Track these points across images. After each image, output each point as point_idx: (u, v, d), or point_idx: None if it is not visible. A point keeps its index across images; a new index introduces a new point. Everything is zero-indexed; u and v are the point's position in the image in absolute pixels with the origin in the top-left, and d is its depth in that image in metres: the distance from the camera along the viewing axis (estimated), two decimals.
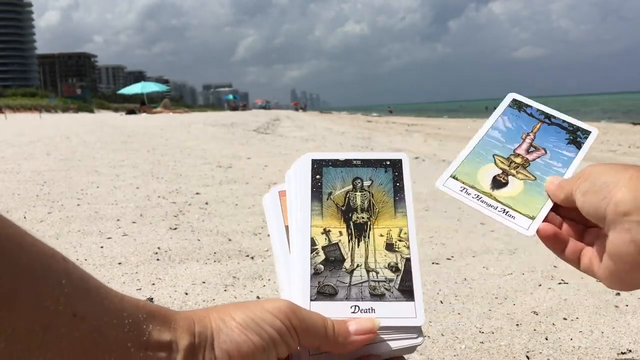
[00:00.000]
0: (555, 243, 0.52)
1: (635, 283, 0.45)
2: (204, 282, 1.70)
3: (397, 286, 0.47)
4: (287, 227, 0.51)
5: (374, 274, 0.48)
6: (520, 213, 0.53)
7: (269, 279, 1.74)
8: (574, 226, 0.53)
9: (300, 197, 0.51)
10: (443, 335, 1.32)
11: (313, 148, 6.81)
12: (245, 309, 0.40)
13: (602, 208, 0.45)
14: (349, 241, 0.49)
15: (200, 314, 0.40)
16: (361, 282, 0.47)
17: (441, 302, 1.52)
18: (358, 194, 0.51)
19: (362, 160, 0.52)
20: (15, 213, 2.63)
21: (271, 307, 0.40)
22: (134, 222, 2.47)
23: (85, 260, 1.90)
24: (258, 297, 1.58)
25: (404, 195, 0.51)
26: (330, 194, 0.51)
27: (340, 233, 0.49)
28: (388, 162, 0.52)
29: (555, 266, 1.90)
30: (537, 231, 0.52)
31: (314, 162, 0.53)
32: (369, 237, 0.49)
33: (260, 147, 6.75)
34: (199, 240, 2.19)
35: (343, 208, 0.50)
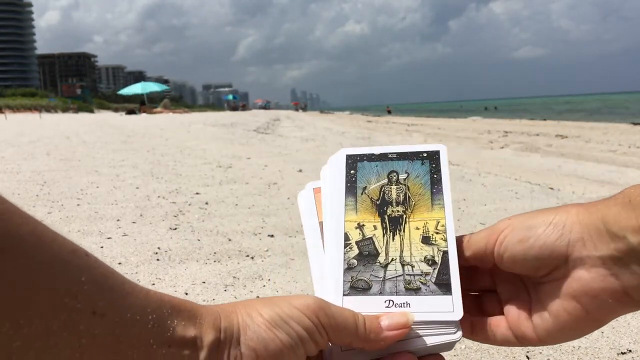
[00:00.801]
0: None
1: (592, 328, 0.42)
2: (204, 282, 1.70)
3: (433, 280, 0.45)
4: (321, 224, 0.50)
5: (409, 267, 0.46)
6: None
7: (269, 279, 1.74)
8: (468, 298, 0.47)
9: (335, 192, 0.50)
10: None
11: (313, 148, 6.81)
12: (273, 305, 0.39)
13: (563, 245, 0.39)
14: (383, 235, 0.48)
15: (227, 309, 0.39)
16: (396, 276, 0.46)
17: None
18: (393, 187, 0.49)
19: (398, 154, 0.51)
20: None
21: (299, 304, 0.39)
22: (134, 222, 2.47)
23: None
24: (258, 297, 1.58)
25: (442, 187, 0.49)
26: (364, 188, 0.50)
27: (375, 227, 0.48)
28: (425, 154, 0.51)
29: None
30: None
31: (348, 157, 0.52)
32: (404, 231, 0.48)
33: (260, 147, 6.75)
34: (199, 240, 2.19)
35: (378, 202, 0.49)
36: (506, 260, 0.42)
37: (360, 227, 0.48)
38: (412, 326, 0.42)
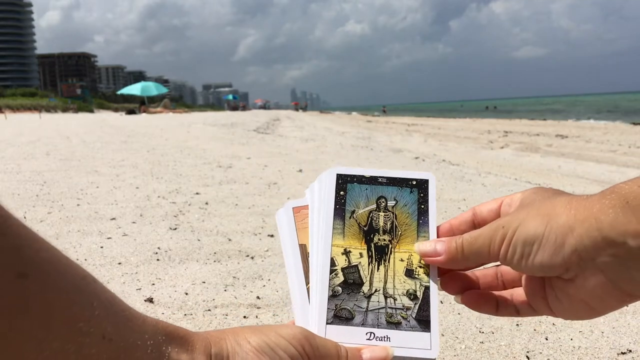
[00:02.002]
0: (486, 307, 0.47)
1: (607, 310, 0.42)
2: (204, 282, 1.70)
3: (414, 315, 0.46)
4: (301, 246, 0.50)
5: (392, 300, 0.47)
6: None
7: (269, 279, 1.74)
8: (487, 274, 0.49)
9: (323, 214, 0.49)
10: (443, 335, 1.32)
11: (313, 148, 6.81)
12: (261, 333, 0.41)
13: (558, 261, 0.39)
14: (369, 264, 0.48)
15: (217, 336, 0.41)
16: (378, 308, 0.46)
17: (441, 302, 1.52)
18: (381, 214, 0.49)
19: (388, 179, 0.51)
20: (15, 213, 2.62)
21: (286, 333, 0.41)
22: (134, 222, 2.47)
23: (85, 260, 1.90)
24: (258, 297, 1.58)
25: (428, 219, 0.49)
26: (353, 212, 0.49)
27: (361, 255, 0.48)
28: (414, 182, 0.51)
29: None
30: (464, 303, 0.47)
31: (338, 177, 0.51)
32: (389, 262, 0.48)
33: (260, 147, 6.75)
34: (199, 240, 2.19)
35: (365, 228, 0.49)
36: (514, 268, 0.43)
37: (346, 253, 0.48)
38: None
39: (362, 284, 0.47)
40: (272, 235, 2.28)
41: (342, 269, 0.48)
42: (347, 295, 0.47)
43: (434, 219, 0.49)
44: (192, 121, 14.22)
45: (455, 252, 0.44)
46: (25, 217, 2.53)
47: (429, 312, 0.46)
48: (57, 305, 0.30)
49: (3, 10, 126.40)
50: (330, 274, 0.47)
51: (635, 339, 1.29)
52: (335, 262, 0.48)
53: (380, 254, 0.48)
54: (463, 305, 0.48)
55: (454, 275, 0.48)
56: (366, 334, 0.45)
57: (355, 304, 0.46)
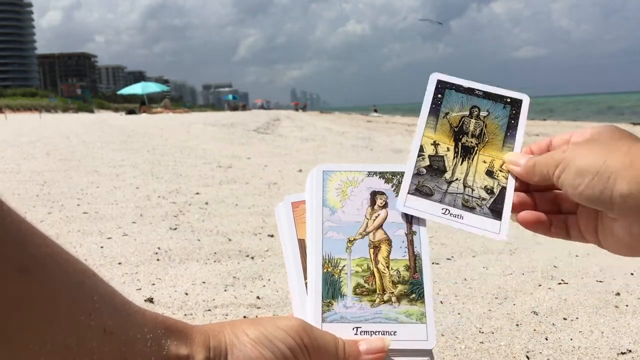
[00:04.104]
0: (539, 227, 0.50)
1: None
2: (204, 282, 1.70)
3: (488, 205, 0.50)
4: (300, 240, 0.50)
5: (470, 190, 0.50)
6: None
7: (269, 279, 1.74)
8: (545, 197, 0.51)
9: (315, 207, 0.50)
10: (443, 335, 1.32)
11: (313, 148, 6.81)
12: (259, 325, 0.41)
13: (605, 199, 0.42)
14: (453, 158, 0.52)
15: (215, 329, 0.41)
16: (457, 193, 0.50)
17: (441, 302, 1.52)
18: (472, 120, 0.53)
19: (485, 92, 0.54)
20: None
21: (284, 325, 0.41)
22: (134, 222, 2.47)
23: (85, 260, 1.90)
24: (258, 297, 1.58)
25: (515, 133, 0.53)
26: (447, 113, 0.53)
27: (448, 149, 0.52)
28: (509, 100, 0.54)
29: (555, 266, 1.90)
30: (519, 221, 0.51)
31: (439, 82, 0.55)
32: (472, 160, 0.52)
33: (260, 147, 6.75)
34: (199, 240, 2.19)
35: (456, 129, 0.53)
36: (565, 192, 0.46)
37: (435, 144, 0.52)
38: (389, 353, 0.45)
39: (445, 171, 0.51)
40: (272, 235, 2.28)
41: (429, 156, 0.52)
42: (429, 177, 0.51)
43: (522, 135, 0.53)
44: (192, 121, 14.22)
45: (527, 168, 0.49)
46: (25, 217, 2.53)
47: (503, 205, 0.50)
48: (58, 300, 0.30)
49: (3, 10, 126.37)
50: (418, 157, 0.51)
51: (635, 339, 1.29)
52: (424, 149, 0.52)
53: (465, 153, 0.52)
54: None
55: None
56: (442, 209, 0.49)
57: (436, 185, 0.50)
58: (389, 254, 0.48)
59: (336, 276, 0.48)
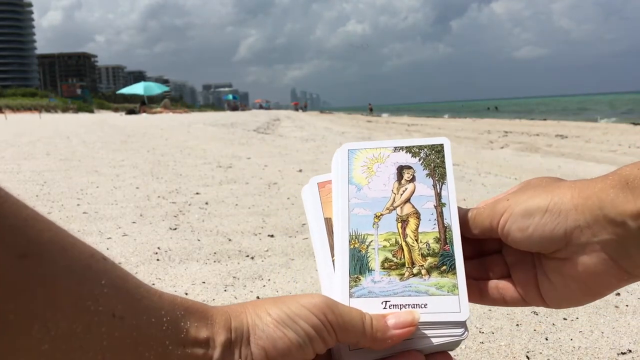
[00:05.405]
0: (470, 293, 0.45)
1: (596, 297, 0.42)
2: (204, 282, 1.70)
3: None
4: (326, 219, 0.49)
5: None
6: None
7: (269, 279, 1.74)
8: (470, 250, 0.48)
9: (339, 187, 0.50)
10: None
11: (313, 148, 6.81)
12: (281, 304, 0.40)
13: (560, 234, 0.40)
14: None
15: (237, 309, 0.40)
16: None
17: None
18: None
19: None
20: None
21: (307, 303, 0.39)
22: (134, 222, 2.47)
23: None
24: (258, 298, 1.58)
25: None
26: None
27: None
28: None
29: None
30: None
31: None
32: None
33: (260, 147, 6.75)
34: (199, 240, 2.19)
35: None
36: (510, 242, 0.44)
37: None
38: (419, 325, 0.43)
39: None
40: (272, 236, 2.28)
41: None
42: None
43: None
44: (192, 121, 14.22)
45: (467, 220, 0.46)
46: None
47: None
48: (62, 285, 0.30)
49: (3, 11, 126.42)
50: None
51: (635, 339, 1.29)
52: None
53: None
54: None
55: None
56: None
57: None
58: (417, 227, 0.47)
59: (363, 252, 0.46)
